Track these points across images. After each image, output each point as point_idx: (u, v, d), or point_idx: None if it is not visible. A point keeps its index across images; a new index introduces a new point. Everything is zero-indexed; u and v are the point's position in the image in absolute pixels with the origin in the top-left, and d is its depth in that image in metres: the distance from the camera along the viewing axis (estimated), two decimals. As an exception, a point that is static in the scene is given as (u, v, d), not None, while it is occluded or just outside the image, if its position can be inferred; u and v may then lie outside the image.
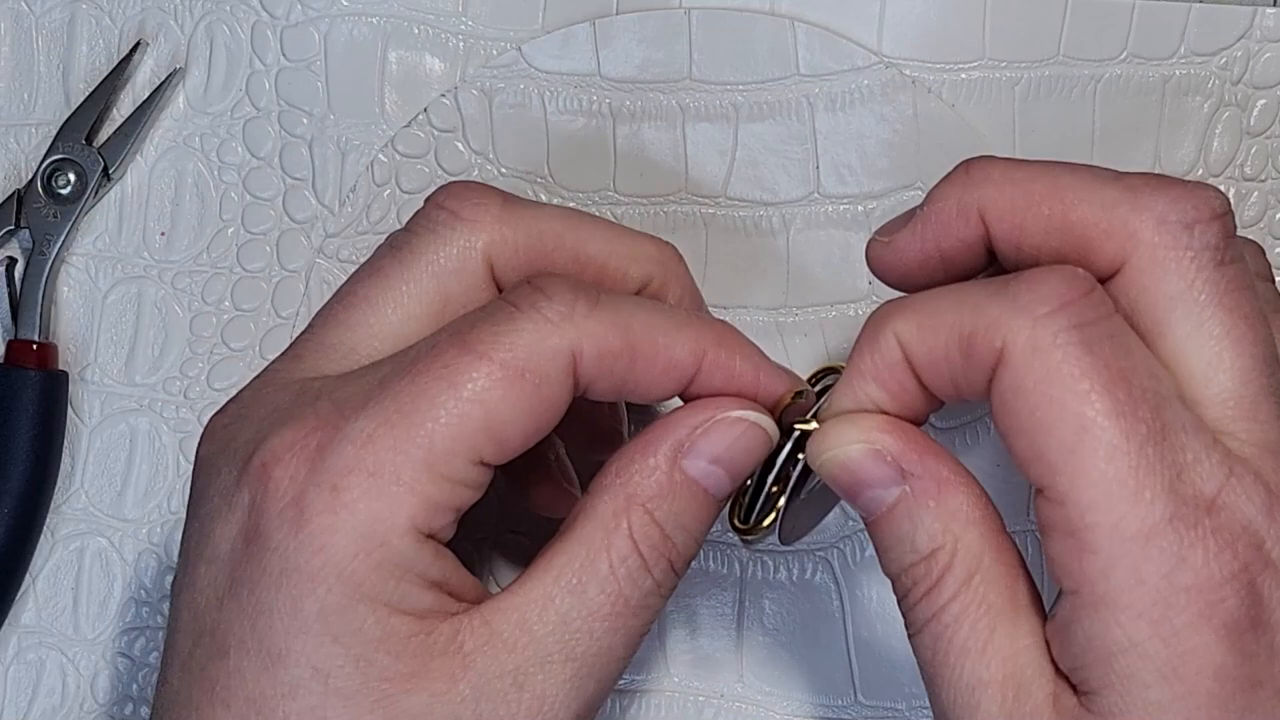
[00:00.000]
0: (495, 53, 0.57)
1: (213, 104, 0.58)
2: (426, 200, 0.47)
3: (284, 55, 0.58)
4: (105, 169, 0.57)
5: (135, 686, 0.57)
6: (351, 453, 0.42)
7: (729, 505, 0.47)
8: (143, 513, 0.58)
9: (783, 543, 0.49)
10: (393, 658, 0.42)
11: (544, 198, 0.57)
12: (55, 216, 0.57)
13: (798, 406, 0.46)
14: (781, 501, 0.47)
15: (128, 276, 0.58)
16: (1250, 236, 0.56)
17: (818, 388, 0.48)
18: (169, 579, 0.57)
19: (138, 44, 0.58)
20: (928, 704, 0.56)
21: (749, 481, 0.47)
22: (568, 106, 0.57)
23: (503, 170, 0.57)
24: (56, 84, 0.58)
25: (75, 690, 0.57)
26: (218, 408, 0.46)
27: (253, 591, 0.42)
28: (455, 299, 0.46)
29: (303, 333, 0.47)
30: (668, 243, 0.49)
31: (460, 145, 0.57)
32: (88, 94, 0.58)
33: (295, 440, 0.42)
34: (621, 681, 0.56)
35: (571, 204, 0.57)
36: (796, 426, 0.46)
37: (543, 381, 0.43)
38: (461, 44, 0.58)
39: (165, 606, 0.57)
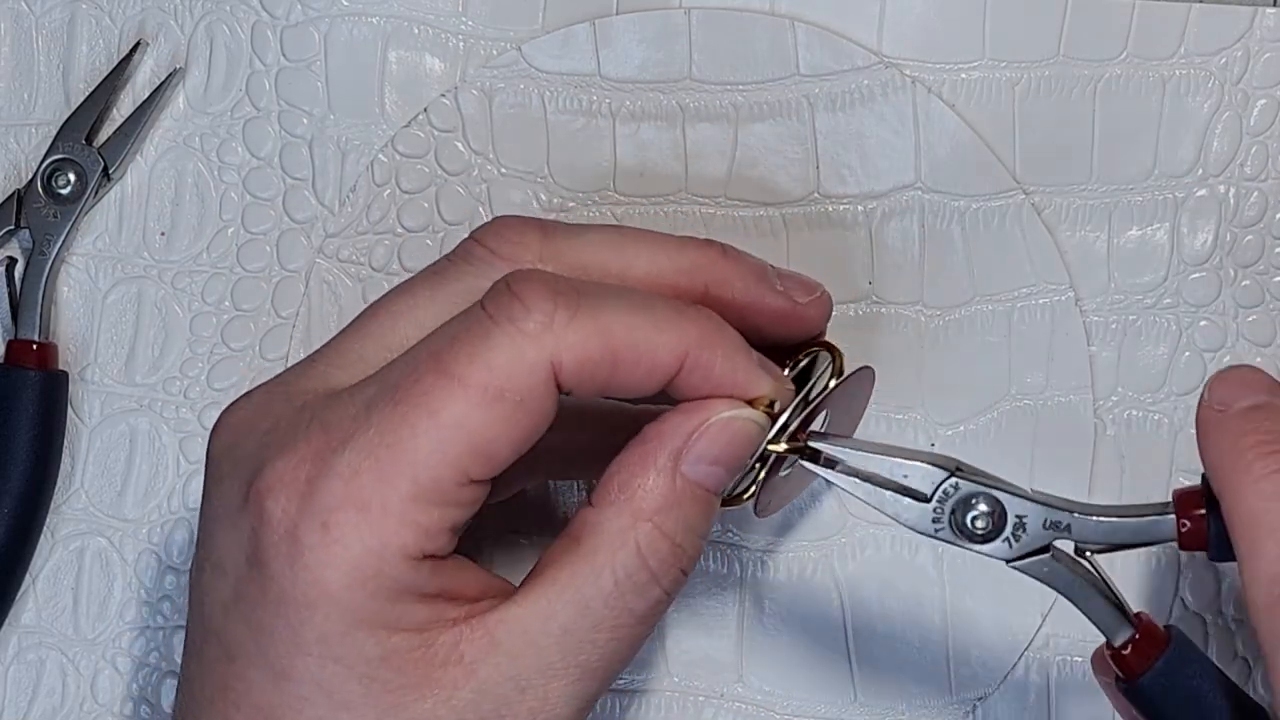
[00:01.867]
0: (495, 53, 0.57)
1: (213, 104, 0.58)
2: (468, 236, 0.48)
3: (284, 55, 0.58)
4: (105, 169, 0.57)
5: (135, 686, 0.57)
6: (340, 488, 0.43)
7: None
8: (143, 513, 0.58)
9: (757, 514, 0.50)
10: (395, 672, 0.43)
11: (544, 198, 0.57)
12: (55, 216, 0.57)
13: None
14: (762, 474, 0.48)
15: (128, 276, 0.58)
16: (1250, 236, 0.56)
17: (802, 363, 0.50)
18: (169, 579, 0.57)
19: (138, 44, 0.58)
20: (927, 704, 0.56)
21: None
22: (568, 106, 0.57)
23: (503, 170, 0.57)
24: (56, 84, 0.58)
25: (75, 690, 0.57)
26: (220, 406, 0.47)
27: (254, 611, 0.43)
28: None
29: (331, 337, 0.47)
30: (713, 244, 0.49)
31: (460, 145, 0.57)
32: (88, 94, 0.58)
33: (286, 472, 0.43)
34: (621, 681, 0.56)
35: (571, 204, 0.57)
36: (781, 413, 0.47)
37: (524, 398, 0.43)
38: (461, 44, 0.58)
39: (165, 607, 0.57)
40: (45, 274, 0.57)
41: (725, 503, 0.48)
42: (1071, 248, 0.56)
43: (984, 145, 0.56)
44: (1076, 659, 0.56)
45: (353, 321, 0.48)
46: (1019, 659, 0.56)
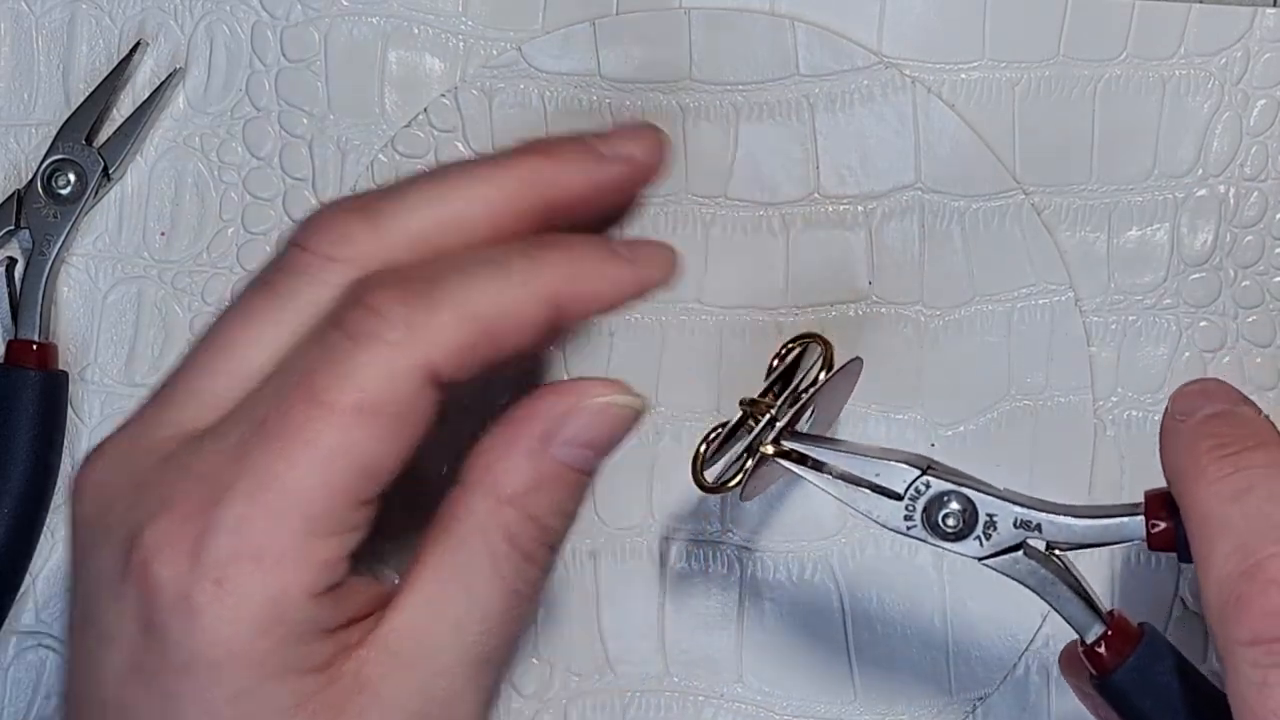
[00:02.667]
0: (495, 53, 0.57)
1: (213, 104, 0.58)
2: (287, 242, 0.45)
3: (284, 55, 0.58)
4: (105, 169, 0.57)
5: (135, 686, 0.57)
6: (228, 542, 0.41)
7: (693, 462, 0.49)
8: (143, 513, 0.58)
9: (742, 500, 0.51)
10: (309, 715, 0.42)
11: (544, 198, 0.57)
12: (55, 216, 0.57)
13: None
14: (750, 465, 0.48)
15: (128, 276, 0.58)
16: (1250, 236, 0.56)
17: (793, 354, 0.50)
18: (169, 579, 0.57)
19: (138, 44, 0.58)
20: (927, 704, 0.56)
21: (711, 441, 0.49)
22: (568, 106, 0.57)
23: (503, 170, 0.57)
24: (56, 84, 0.58)
25: (75, 690, 0.57)
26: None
27: (156, 679, 0.42)
28: None
29: (172, 374, 0.45)
30: (529, 148, 0.46)
31: (460, 145, 0.57)
32: (88, 94, 0.58)
33: (170, 532, 0.41)
34: (621, 681, 0.56)
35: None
36: (768, 412, 0.48)
37: (402, 408, 0.42)
38: (461, 44, 0.58)
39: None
40: (45, 274, 0.57)
41: (710, 490, 0.49)
42: (1071, 248, 0.56)
43: (984, 145, 0.56)
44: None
45: (190, 356, 0.45)
46: (1019, 659, 0.56)
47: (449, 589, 0.43)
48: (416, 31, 0.58)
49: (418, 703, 0.43)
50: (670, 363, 0.57)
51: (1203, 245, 0.56)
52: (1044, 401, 0.56)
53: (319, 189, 0.58)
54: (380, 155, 0.57)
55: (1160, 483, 0.52)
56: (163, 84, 0.58)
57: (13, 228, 0.57)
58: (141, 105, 0.58)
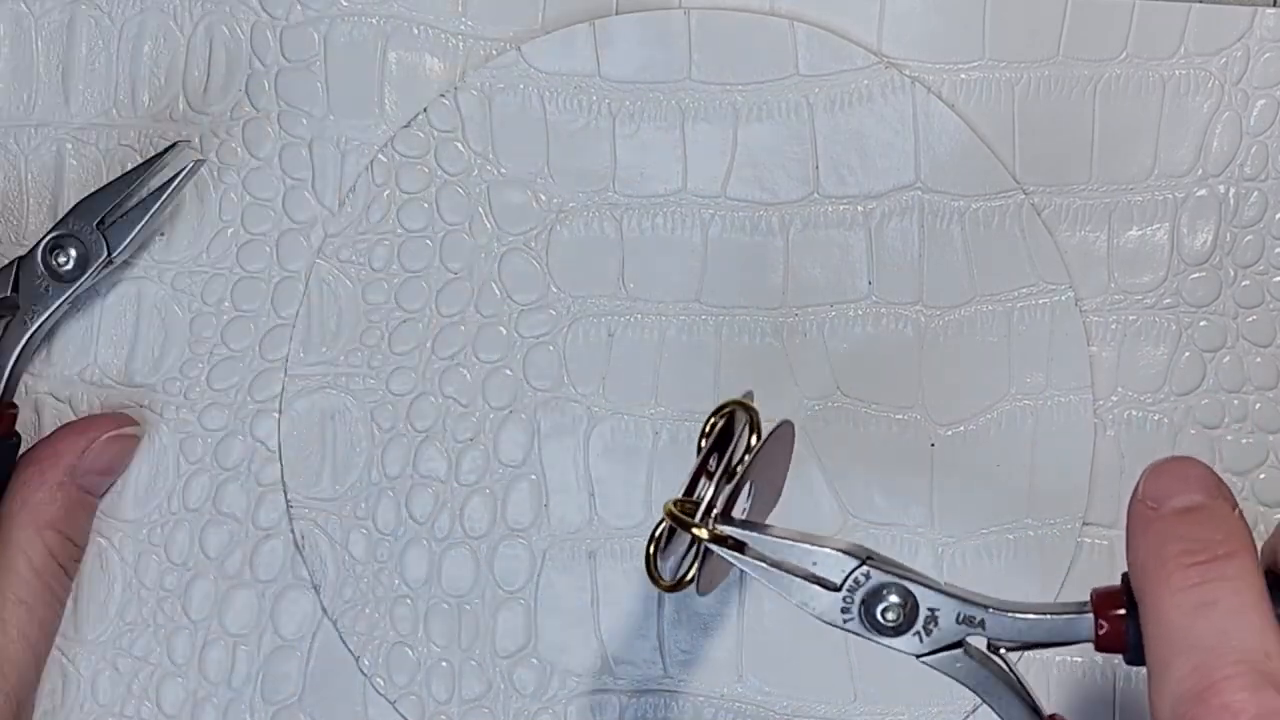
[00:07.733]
0: (495, 53, 0.57)
1: (213, 104, 0.58)
2: None
3: (284, 55, 0.58)
4: (109, 254, 0.55)
5: (135, 686, 0.57)
6: None
7: (649, 566, 0.48)
8: (143, 513, 0.58)
9: (700, 594, 0.50)
10: None
11: (544, 198, 0.57)
12: (47, 290, 0.55)
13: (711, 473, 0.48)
14: (699, 556, 0.47)
15: (128, 277, 0.58)
16: (1250, 236, 0.56)
17: (720, 425, 0.49)
18: (169, 578, 0.57)
19: (174, 144, 0.56)
20: (927, 704, 0.56)
21: (660, 544, 0.47)
22: (568, 106, 0.57)
23: (502, 171, 0.57)
24: (56, 84, 0.58)
25: (75, 690, 0.57)
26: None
27: None
28: None
29: None
30: None
31: (460, 145, 0.57)
32: (115, 177, 0.56)
33: None
34: (621, 681, 0.56)
35: (571, 204, 0.57)
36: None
37: None
38: (461, 44, 0.58)
39: (165, 606, 0.57)
40: (21, 343, 0.55)
41: (669, 589, 0.48)
42: (1071, 248, 0.56)
43: (984, 145, 0.56)
44: (1076, 659, 0.56)
45: None
46: (1018, 659, 0.56)
47: (9, 609, 0.54)
48: (416, 31, 0.58)
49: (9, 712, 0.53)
50: (670, 362, 0.57)
51: (1203, 245, 0.56)
52: (1044, 401, 0.56)
53: (319, 189, 0.58)
54: (380, 155, 0.57)
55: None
56: (180, 176, 0.55)
57: (6, 294, 0.55)
58: (155, 191, 0.55)
